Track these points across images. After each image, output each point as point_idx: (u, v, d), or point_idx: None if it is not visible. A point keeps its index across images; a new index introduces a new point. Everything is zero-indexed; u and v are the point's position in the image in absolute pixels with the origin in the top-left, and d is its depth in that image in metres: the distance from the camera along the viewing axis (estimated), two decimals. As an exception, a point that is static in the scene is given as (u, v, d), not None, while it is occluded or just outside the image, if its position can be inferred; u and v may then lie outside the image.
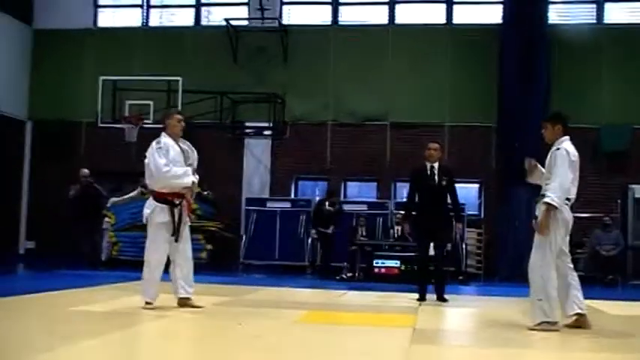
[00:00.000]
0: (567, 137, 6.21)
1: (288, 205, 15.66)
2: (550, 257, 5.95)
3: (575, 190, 6.12)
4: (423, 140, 15.98)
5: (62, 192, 14.07)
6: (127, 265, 13.86)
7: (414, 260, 10.46)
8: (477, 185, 16.34)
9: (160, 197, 6.65)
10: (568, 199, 6.05)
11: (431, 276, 8.82)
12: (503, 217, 14.87)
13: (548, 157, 6.17)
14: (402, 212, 10.40)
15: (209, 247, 14.62)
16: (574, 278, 6.12)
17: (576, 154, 6.13)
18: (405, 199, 10.08)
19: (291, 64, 16.42)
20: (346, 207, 14.85)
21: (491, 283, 13.65)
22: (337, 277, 13.21)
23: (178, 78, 14.77)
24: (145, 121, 14.43)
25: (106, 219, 14.51)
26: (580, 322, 6.04)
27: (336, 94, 16.35)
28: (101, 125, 14.90)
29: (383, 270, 13.03)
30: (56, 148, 16.47)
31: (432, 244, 8.79)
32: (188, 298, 6.80)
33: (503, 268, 14.32)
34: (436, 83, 16.13)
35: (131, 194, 14.72)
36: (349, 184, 16.81)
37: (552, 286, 5.88)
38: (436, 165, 8.63)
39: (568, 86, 15.30)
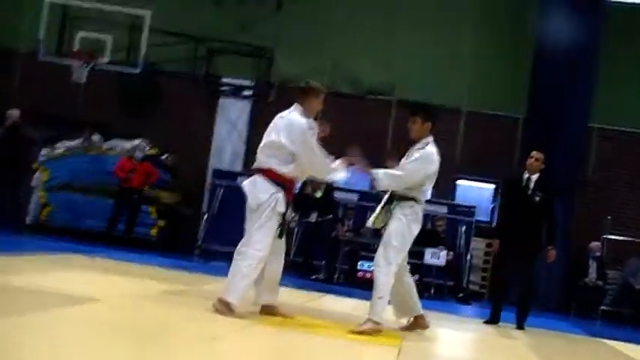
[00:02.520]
0: (432, 138, 6.68)
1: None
2: (400, 256, 6.59)
3: (429, 194, 6.81)
4: (435, 126, 15.93)
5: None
6: (57, 232, 13.69)
7: (493, 279, 10.85)
8: (492, 186, 16.24)
9: (280, 181, 6.41)
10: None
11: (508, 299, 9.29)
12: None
13: (405, 156, 6.69)
14: (497, 229, 10.58)
15: (161, 223, 14.49)
16: (410, 278, 7.00)
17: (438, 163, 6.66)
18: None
19: (285, 13, 16.25)
20: (334, 195, 14.66)
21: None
22: (312, 277, 13.13)
23: (146, 12, 14.52)
24: (99, 60, 14.16)
25: (37, 174, 14.26)
26: (419, 324, 6.98)
27: (336, 56, 16.14)
28: (43, 59, 14.56)
29: (368, 275, 12.88)
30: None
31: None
32: (274, 306, 6.64)
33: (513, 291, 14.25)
34: (457, 57, 16.01)
35: (72, 143, 14.53)
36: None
37: (391, 285, 6.53)
38: (534, 177, 8.81)
39: (621, 77, 15.19)
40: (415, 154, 6.57)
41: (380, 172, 6.51)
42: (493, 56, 15.80)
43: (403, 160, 6.69)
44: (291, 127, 6.37)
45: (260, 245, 6.31)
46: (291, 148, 6.36)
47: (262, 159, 6.46)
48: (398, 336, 6.55)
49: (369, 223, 7.15)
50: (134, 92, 15.66)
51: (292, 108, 6.56)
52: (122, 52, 14.64)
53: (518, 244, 8.65)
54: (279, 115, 6.58)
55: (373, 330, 6.31)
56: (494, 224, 15.74)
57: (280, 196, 6.37)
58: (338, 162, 6.64)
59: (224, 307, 6.19)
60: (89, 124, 14.99)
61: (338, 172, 6.68)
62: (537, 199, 8.70)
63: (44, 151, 14.39)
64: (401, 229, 6.58)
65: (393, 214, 6.64)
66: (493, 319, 9.00)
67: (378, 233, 14.38)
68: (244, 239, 6.39)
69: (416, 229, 6.66)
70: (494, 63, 15.80)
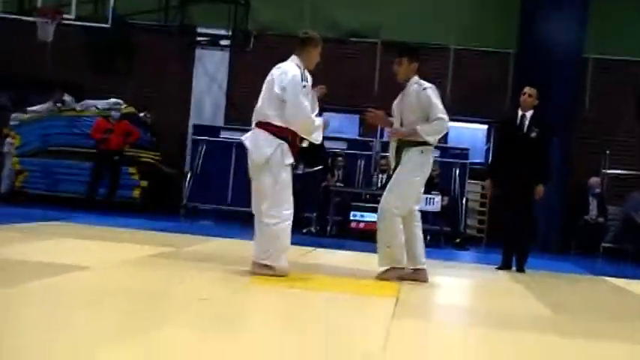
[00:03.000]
0: (417, 78, 6.97)
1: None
2: (409, 203, 6.84)
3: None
4: (421, 64, 15.86)
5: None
6: (35, 200, 13.64)
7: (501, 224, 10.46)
8: (485, 127, 16.25)
9: (283, 135, 6.49)
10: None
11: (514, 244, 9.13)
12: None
13: (400, 98, 6.97)
14: (489, 170, 10.44)
15: (144, 183, 14.44)
16: (419, 228, 7.05)
17: None
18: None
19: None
20: (322, 144, 14.62)
21: (496, 249, 13.62)
22: (304, 231, 13.15)
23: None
24: (65, 16, 13.91)
25: (8, 140, 14.15)
26: (419, 277, 7.08)
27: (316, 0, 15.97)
28: (4, 16, 14.29)
29: (361, 225, 13.01)
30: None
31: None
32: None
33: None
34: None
35: (43, 106, 14.37)
36: (326, 115, 16.51)
37: (402, 231, 6.83)
38: (528, 114, 8.74)
39: (615, 4, 15.10)
40: (422, 96, 6.80)
41: (425, 130, 6.73)
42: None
43: (398, 102, 7.01)
44: (285, 75, 6.42)
45: (287, 204, 6.55)
46: (282, 98, 6.40)
47: (261, 112, 6.53)
48: (396, 287, 6.59)
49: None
50: (105, 48, 15.45)
51: (290, 59, 6.59)
52: (89, 4, 14.38)
53: (515, 184, 8.62)
54: (277, 65, 6.61)
55: (396, 276, 6.85)
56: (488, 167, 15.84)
57: (285, 147, 6.46)
58: (321, 120, 6.74)
59: (267, 270, 6.44)
60: (59, 84, 14.82)
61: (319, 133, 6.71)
62: (533, 135, 8.64)
63: (14, 116, 14.23)
64: (405, 176, 6.79)
65: (401, 160, 6.86)
66: (505, 265, 9.03)
67: (370, 183, 14.57)
68: (269, 202, 6.48)
69: (423, 175, 6.90)
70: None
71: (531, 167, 8.62)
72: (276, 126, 6.45)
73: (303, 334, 4.48)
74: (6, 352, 3.37)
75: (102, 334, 3.90)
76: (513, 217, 8.94)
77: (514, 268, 8.87)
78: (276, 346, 4.02)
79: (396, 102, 7.08)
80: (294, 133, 6.55)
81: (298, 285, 6.39)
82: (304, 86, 6.45)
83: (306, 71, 6.55)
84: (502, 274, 9.19)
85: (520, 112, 8.77)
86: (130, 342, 3.75)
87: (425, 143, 6.81)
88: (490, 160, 9.73)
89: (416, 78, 6.89)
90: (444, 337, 4.96)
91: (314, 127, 6.61)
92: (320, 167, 13.66)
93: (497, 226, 14.76)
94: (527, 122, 8.68)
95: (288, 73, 6.42)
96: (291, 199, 6.59)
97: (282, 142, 6.45)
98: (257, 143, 6.49)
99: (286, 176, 6.53)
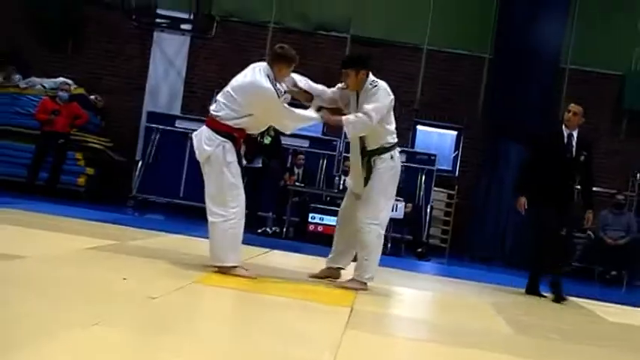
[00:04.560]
0: (372, 77, 7.01)
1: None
2: (383, 213, 7.02)
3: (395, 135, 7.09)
4: (392, 63, 16.05)
5: None
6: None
7: (537, 240, 9.60)
8: (454, 132, 16.36)
9: (228, 131, 6.63)
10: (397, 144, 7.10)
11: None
12: (485, 179, 14.94)
13: (352, 99, 7.03)
14: (518, 185, 9.61)
15: (90, 171, 14.32)
16: (367, 235, 7.07)
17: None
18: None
19: None
20: (283, 141, 14.56)
21: (459, 262, 13.74)
22: (259, 231, 13.17)
23: None
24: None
25: None
26: (334, 274, 7.42)
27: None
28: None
29: (320, 228, 13.08)
30: None
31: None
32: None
33: (478, 246, 14.45)
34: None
35: None
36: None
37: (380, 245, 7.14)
38: (575, 134, 8.39)
39: (593, 16, 15.31)
40: (370, 91, 6.89)
41: (350, 120, 6.81)
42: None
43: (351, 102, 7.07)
44: (254, 90, 6.56)
45: (234, 202, 6.70)
46: (248, 110, 6.57)
47: (215, 107, 6.72)
48: (352, 296, 6.62)
49: (349, 185, 7.44)
50: (54, 22, 15.26)
51: (263, 66, 6.70)
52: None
53: (557, 206, 8.33)
54: (252, 65, 6.78)
55: (358, 289, 6.93)
56: (456, 174, 15.93)
57: (227, 145, 6.57)
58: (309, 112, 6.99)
59: (227, 271, 6.65)
60: (4, 58, 14.60)
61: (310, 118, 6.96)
62: (582, 158, 8.35)
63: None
64: (379, 191, 6.95)
65: (373, 169, 6.95)
66: (532, 288, 8.80)
67: (331, 185, 14.56)
68: (214, 200, 6.68)
69: (396, 182, 7.09)
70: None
71: (573, 189, 8.46)
72: (222, 123, 6.59)
73: (249, 339, 4.44)
74: None
75: (29, 328, 3.85)
76: (551, 239, 8.44)
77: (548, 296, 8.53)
78: (220, 352, 4.01)
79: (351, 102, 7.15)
80: (240, 132, 6.67)
81: (249, 287, 6.38)
82: (276, 95, 6.57)
83: (278, 84, 6.68)
84: (465, 287, 9.25)
85: (566, 132, 8.41)
86: (59, 338, 3.70)
87: (392, 147, 6.96)
88: (519, 175, 9.35)
89: (370, 79, 6.97)
90: (396, 352, 4.95)
91: (302, 119, 6.93)
92: (276, 160, 13.68)
93: (461, 236, 14.96)
94: (574, 143, 8.37)
95: (259, 90, 6.54)
96: (239, 197, 6.73)
97: (225, 139, 6.57)
98: (200, 140, 6.67)
99: (230, 175, 6.63)
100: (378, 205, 6.93)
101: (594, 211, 8.59)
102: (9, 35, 14.90)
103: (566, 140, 8.38)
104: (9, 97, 14.35)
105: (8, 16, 14.39)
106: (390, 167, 6.96)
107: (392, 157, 6.97)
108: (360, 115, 6.76)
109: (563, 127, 8.47)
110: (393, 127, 7.04)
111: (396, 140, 7.07)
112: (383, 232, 7.08)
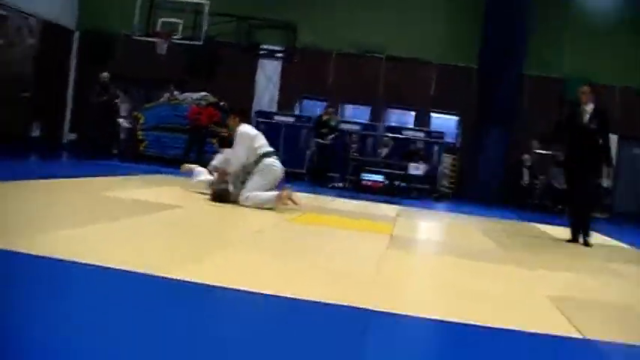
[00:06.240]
0: (243, 124, 7.24)
1: (292, 119, 15.55)
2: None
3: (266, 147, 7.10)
4: (414, 74, 16.04)
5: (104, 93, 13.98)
6: (151, 160, 13.92)
7: (564, 201, 8.76)
8: (456, 118, 16.22)
9: None
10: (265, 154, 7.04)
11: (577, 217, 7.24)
12: (476, 148, 14.88)
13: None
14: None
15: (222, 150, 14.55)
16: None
17: (254, 131, 7.21)
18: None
19: (304, -2, 15.99)
20: (342, 126, 14.74)
21: (461, 202, 13.75)
22: (329, 185, 13.30)
23: (206, 1, 14.31)
24: (174, 37, 14.08)
25: (122, 120, 14.50)
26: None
27: (342, 27, 15.96)
28: (136, 38, 14.51)
29: (369, 183, 13.11)
30: (97, 54, 16.15)
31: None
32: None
33: (473, 191, 14.45)
34: (430, 26, 15.83)
35: (162, 98, 14.71)
36: (346, 106, 16.65)
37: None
38: (589, 107, 7.03)
39: (545, 38, 14.98)
40: (238, 138, 7.07)
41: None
42: (455, 24, 15.66)
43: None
44: None
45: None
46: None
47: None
48: (390, 227, 6.62)
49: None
50: (199, 58, 15.58)
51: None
52: (189, 29, 14.49)
53: (581, 166, 7.02)
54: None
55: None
56: (457, 145, 15.83)
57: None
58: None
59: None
60: (170, 82, 15.01)
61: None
62: (593, 126, 6.93)
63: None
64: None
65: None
66: (573, 238, 7.15)
67: (375, 154, 14.63)
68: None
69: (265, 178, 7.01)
70: (456, 29, 15.66)
71: (594, 153, 6.95)
72: None
73: (328, 258, 4.44)
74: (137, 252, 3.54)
75: (199, 250, 3.98)
76: (579, 194, 7.11)
77: (581, 241, 7.04)
78: (316, 268, 4.00)
79: None
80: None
81: (324, 223, 6.33)
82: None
83: None
84: (464, 219, 9.10)
85: (581, 107, 7.10)
86: (214, 257, 3.80)
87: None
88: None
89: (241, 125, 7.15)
90: (417, 262, 4.94)
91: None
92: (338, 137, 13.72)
93: (461, 186, 14.94)
94: (587, 115, 6.98)
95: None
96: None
97: None
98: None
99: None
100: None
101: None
102: (173, 67, 15.26)
103: (581, 113, 7.05)
104: (172, 107, 14.75)
105: (173, 56, 14.73)
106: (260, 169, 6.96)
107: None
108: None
109: (581, 104, 7.15)
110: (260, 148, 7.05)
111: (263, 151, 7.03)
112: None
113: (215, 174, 7.35)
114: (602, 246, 7.26)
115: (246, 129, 7.10)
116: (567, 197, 7.73)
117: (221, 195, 6.90)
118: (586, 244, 6.92)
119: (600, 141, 6.93)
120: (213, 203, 6.81)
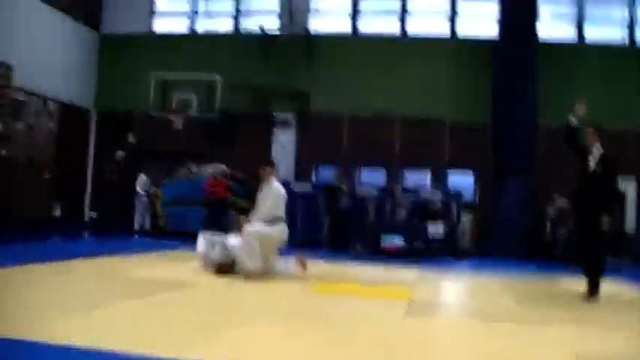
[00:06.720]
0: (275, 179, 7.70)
1: (309, 187, 15.57)
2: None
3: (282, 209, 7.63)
4: (427, 134, 16.14)
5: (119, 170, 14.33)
6: (170, 235, 13.97)
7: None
8: (473, 173, 16.16)
9: None
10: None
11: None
12: (495, 203, 14.75)
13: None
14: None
15: (238, 220, 14.61)
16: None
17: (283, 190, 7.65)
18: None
19: (315, 66, 16.29)
20: (359, 190, 14.71)
21: (481, 260, 13.48)
22: (348, 251, 13.19)
23: (218, 77, 14.77)
24: (189, 112, 14.55)
25: (141, 194, 14.75)
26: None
27: (354, 92, 16.18)
28: (153, 114, 14.93)
29: (388, 246, 12.97)
30: (116, 133, 16.58)
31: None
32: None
33: (494, 246, 14.22)
34: (440, 86, 16.01)
35: (180, 172, 14.94)
36: (362, 169, 16.72)
37: None
38: (596, 150, 6.70)
39: (554, 92, 15.09)
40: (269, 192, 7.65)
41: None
42: (466, 84, 15.86)
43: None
44: None
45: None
46: None
47: None
48: (409, 292, 6.59)
49: None
50: (215, 131, 15.91)
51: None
52: (204, 104, 14.92)
53: (586, 212, 6.69)
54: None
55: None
56: (476, 202, 15.68)
57: None
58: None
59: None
60: (187, 155, 15.35)
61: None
62: (599, 170, 6.65)
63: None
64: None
65: None
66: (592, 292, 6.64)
67: (393, 217, 14.50)
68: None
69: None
70: (466, 88, 15.84)
71: (597, 198, 6.59)
72: None
73: (349, 325, 4.54)
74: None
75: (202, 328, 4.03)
76: (586, 242, 6.73)
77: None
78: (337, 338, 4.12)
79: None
80: None
81: (343, 292, 6.39)
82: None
83: None
84: (483, 277, 9.01)
85: (589, 150, 6.76)
86: (230, 333, 3.90)
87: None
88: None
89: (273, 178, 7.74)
90: (436, 329, 4.92)
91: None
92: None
93: (481, 243, 14.71)
94: (592, 157, 6.71)
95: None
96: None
97: None
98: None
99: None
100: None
101: (610, 217, 6.46)
102: (190, 141, 15.56)
103: (588, 156, 6.75)
104: (190, 181, 14.91)
105: (189, 130, 15.08)
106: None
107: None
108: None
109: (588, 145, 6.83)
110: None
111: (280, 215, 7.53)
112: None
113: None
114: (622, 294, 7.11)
115: (280, 186, 7.58)
116: (577, 240, 7.28)
117: (222, 268, 7.17)
118: (591, 294, 6.55)
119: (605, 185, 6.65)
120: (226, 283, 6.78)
